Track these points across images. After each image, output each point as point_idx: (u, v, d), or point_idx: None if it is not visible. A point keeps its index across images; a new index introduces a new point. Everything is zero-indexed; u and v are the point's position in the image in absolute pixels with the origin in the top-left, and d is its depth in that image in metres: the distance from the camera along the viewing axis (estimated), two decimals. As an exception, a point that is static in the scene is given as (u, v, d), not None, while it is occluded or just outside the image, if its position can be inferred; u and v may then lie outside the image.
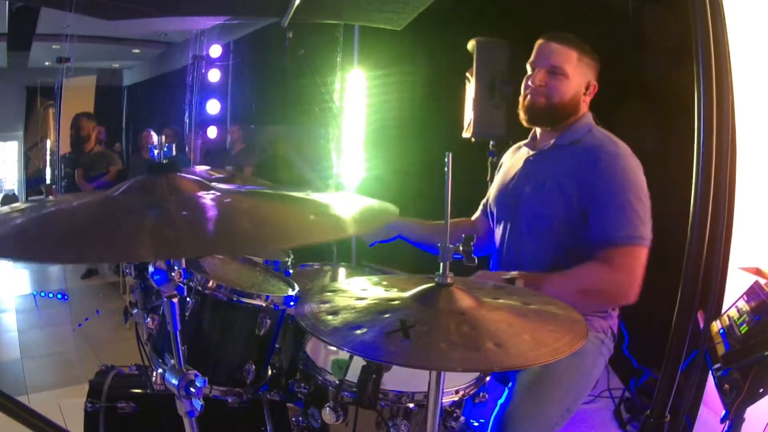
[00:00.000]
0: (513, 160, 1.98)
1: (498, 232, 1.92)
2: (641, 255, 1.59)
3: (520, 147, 2.01)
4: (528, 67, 1.84)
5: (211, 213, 0.94)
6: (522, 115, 1.85)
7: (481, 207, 2.13)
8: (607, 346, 1.79)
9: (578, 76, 1.77)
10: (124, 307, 1.67)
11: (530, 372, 1.64)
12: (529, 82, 1.81)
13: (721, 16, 1.27)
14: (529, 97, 1.81)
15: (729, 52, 1.32)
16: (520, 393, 1.61)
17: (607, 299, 1.65)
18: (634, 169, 1.67)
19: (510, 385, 1.67)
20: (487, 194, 2.09)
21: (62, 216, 0.91)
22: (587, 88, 1.80)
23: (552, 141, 1.81)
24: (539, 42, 1.81)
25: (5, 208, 0.93)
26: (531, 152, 1.87)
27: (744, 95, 1.94)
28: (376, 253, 2.35)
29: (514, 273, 1.62)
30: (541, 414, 1.60)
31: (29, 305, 4.84)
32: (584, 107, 1.82)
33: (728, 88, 1.27)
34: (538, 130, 1.90)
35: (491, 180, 2.17)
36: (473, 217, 2.13)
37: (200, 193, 1.00)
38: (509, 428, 1.55)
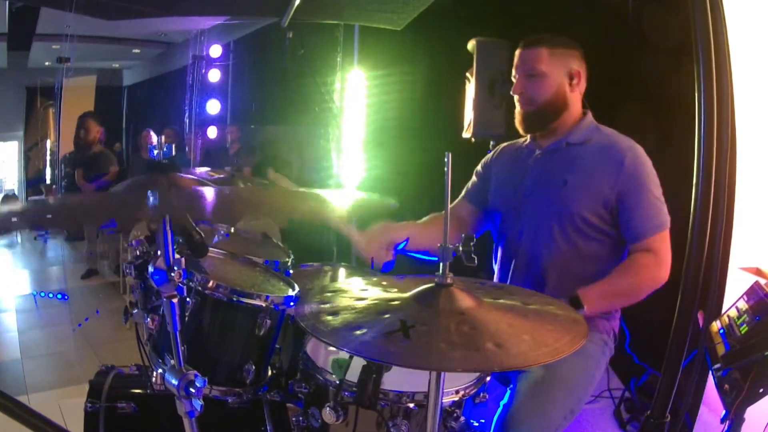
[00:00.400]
0: (514, 159, 1.97)
1: (503, 229, 1.92)
2: (668, 236, 1.71)
3: (516, 147, 2.00)
4: (513, 80, 1.87)
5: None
6: (519, 129, 1.89)
7: (464, 193, 2.06)
8: (609, 347, 1.80)
9: (556, 69, 1.78)
10: (124, 307, 1.67)
11: (533, 373, 1.64)
12: (512, 92, 1.85)
13: (721, 16, 1.27)
14: (518, 108, 1.85)
15: (729, 52, 1.32)
16: (523, 394, 1.61)
17: (653, 284, 1.68)
18: (646, 158, 1.74)
19: (512, 385, 1.66)
20: (470, 187, 2.06)
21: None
22: (572, 78, 1.79)
23: (559, 139, 1.82)
24: (516, 52, 1.85)
25: (5, 208, 0.94)
26: (538, 151, 1.87)
27: (744, 95, 1.94)
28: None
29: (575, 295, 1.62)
30: (545, 415, 1.59)
31: (29, 305, 4.84)
32: (576, 98, 1.82)
33: (728, 88, 1.27)
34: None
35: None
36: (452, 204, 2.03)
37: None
38: (512, 429, 1.54)
